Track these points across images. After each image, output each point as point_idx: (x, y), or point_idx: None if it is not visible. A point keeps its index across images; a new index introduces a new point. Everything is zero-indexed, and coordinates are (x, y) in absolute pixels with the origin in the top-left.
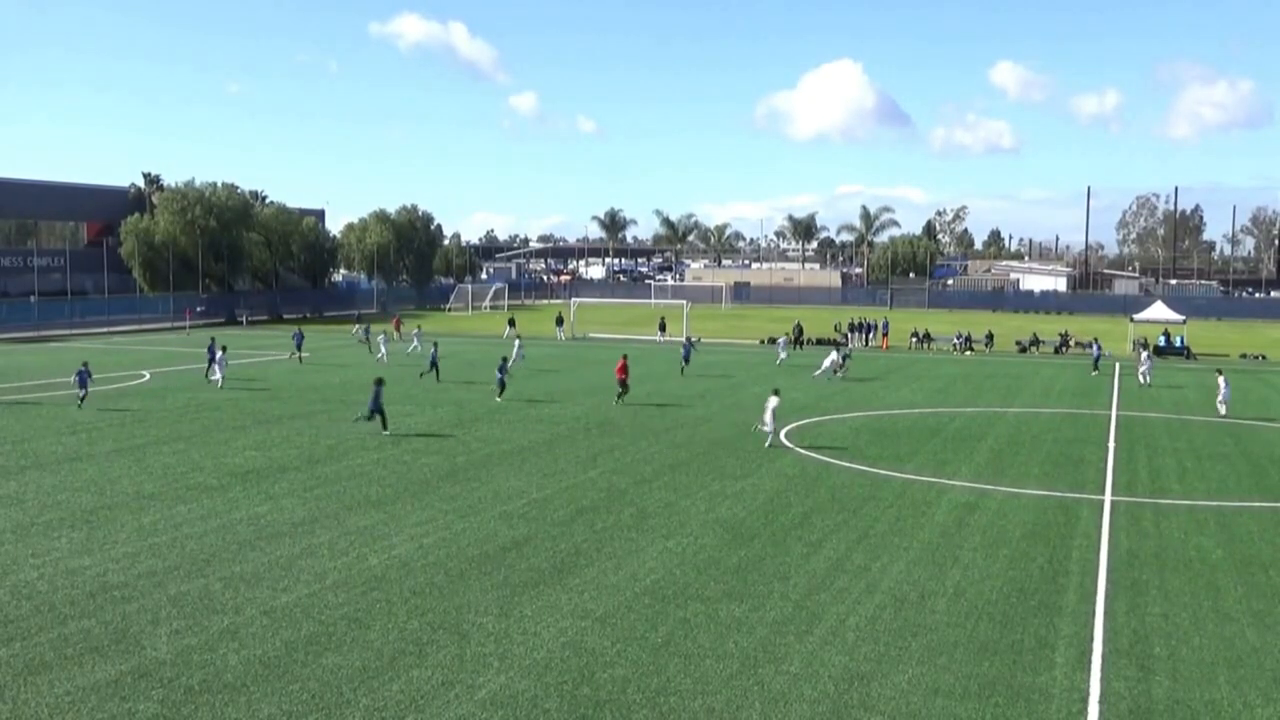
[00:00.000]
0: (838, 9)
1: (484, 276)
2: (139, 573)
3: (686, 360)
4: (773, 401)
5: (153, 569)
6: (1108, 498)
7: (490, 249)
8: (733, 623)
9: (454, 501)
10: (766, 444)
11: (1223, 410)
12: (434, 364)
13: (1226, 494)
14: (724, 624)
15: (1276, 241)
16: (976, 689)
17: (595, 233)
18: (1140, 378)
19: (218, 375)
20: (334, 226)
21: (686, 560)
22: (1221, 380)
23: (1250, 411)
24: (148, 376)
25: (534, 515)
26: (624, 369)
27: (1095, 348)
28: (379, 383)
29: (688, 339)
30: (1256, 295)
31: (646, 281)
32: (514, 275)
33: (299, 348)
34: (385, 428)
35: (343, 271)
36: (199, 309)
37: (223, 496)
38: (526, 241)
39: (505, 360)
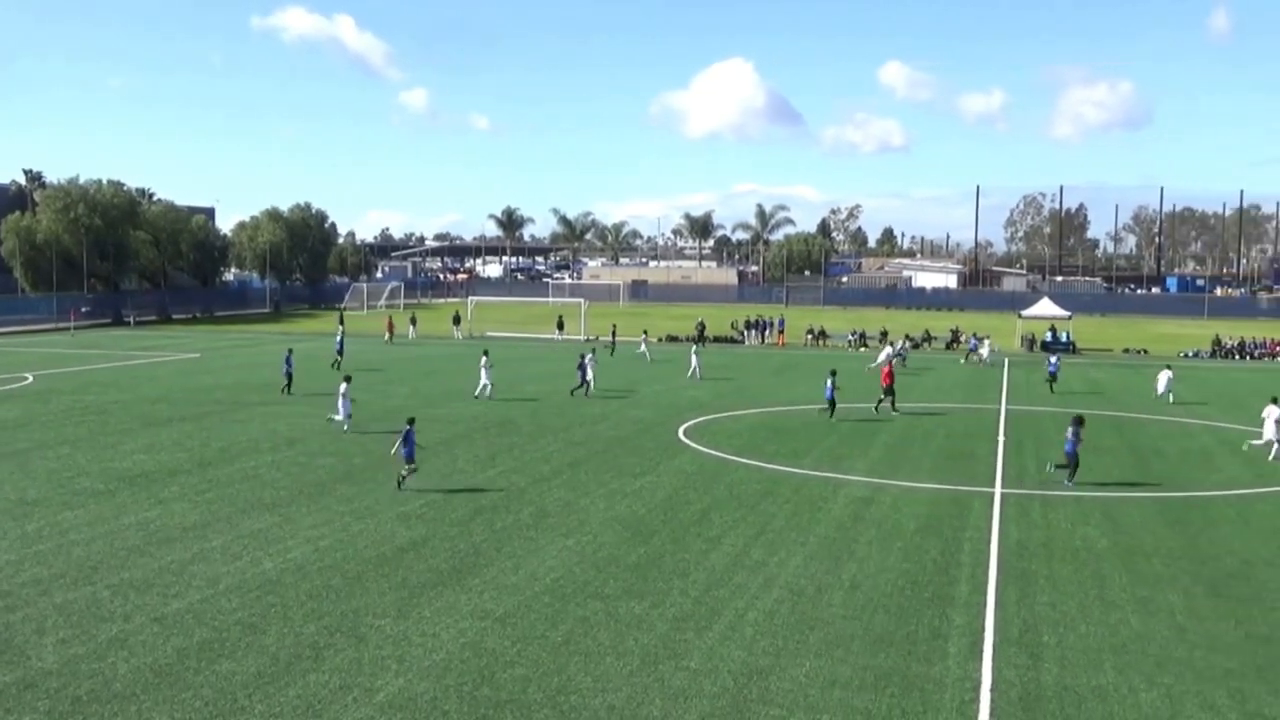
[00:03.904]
0: (727, 7)
1: (379, 275)
2: (23, 581)
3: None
4: (1275, 412)
5: (38, 577)
6: (998, 490)
7: (385, 247)
8: (633, 620)
9: (351, 503)
10: (1270, 456)
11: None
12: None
13: (1110, 485)
14: (624, 621)
15: (1156, 240)
16: (872, 680)
17: (492, 231)
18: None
19: (485, 381)
20: (225, 225)
21: (586, 558)
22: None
23: (1135, 405)
24: (30, 379)
25: (432, 516)
26: (890, 375)
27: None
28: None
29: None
30: (1138, 291)
31: (544, 280)
32: (410, 274)
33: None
34: None
35: (234, 270)
36: (84, 309)
37: (110, 501)
38: (422, 240)
39: (833, 375)
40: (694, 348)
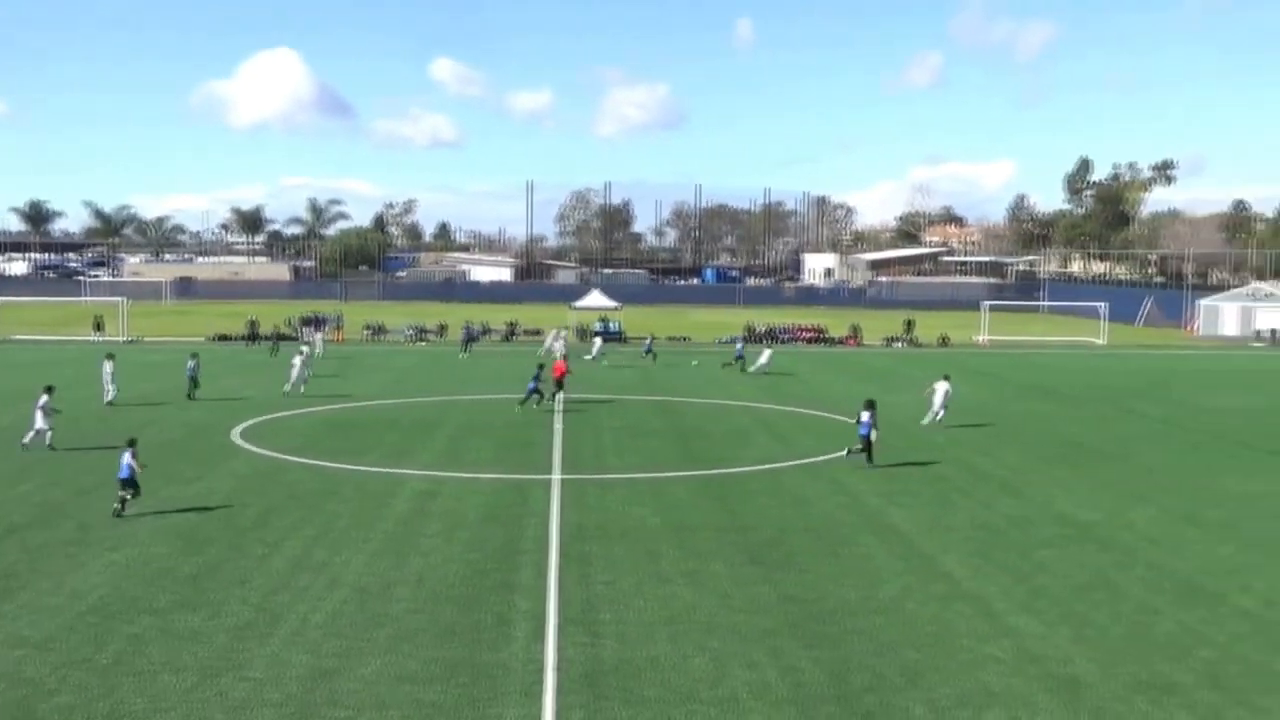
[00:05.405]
0: None
1: None
2: None
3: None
4: (944, 386)
5: None
6: (556, 476)
7: None
8: (189, 634)
9: None
10: (928, 421)
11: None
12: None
13: (659, 466)
14: (179, 636)
15: (694, 234)
16: (441, 672)
17: (15, 225)
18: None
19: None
20: None
21: (135, 572)
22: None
23: (678, 390)
24: None
25: None
26: (563, 369)
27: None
28: None
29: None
30: (680, 282)
31: (78, 278)
32: None
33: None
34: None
35: None
36: None
37: None
38: None
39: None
40: (301, 353)
